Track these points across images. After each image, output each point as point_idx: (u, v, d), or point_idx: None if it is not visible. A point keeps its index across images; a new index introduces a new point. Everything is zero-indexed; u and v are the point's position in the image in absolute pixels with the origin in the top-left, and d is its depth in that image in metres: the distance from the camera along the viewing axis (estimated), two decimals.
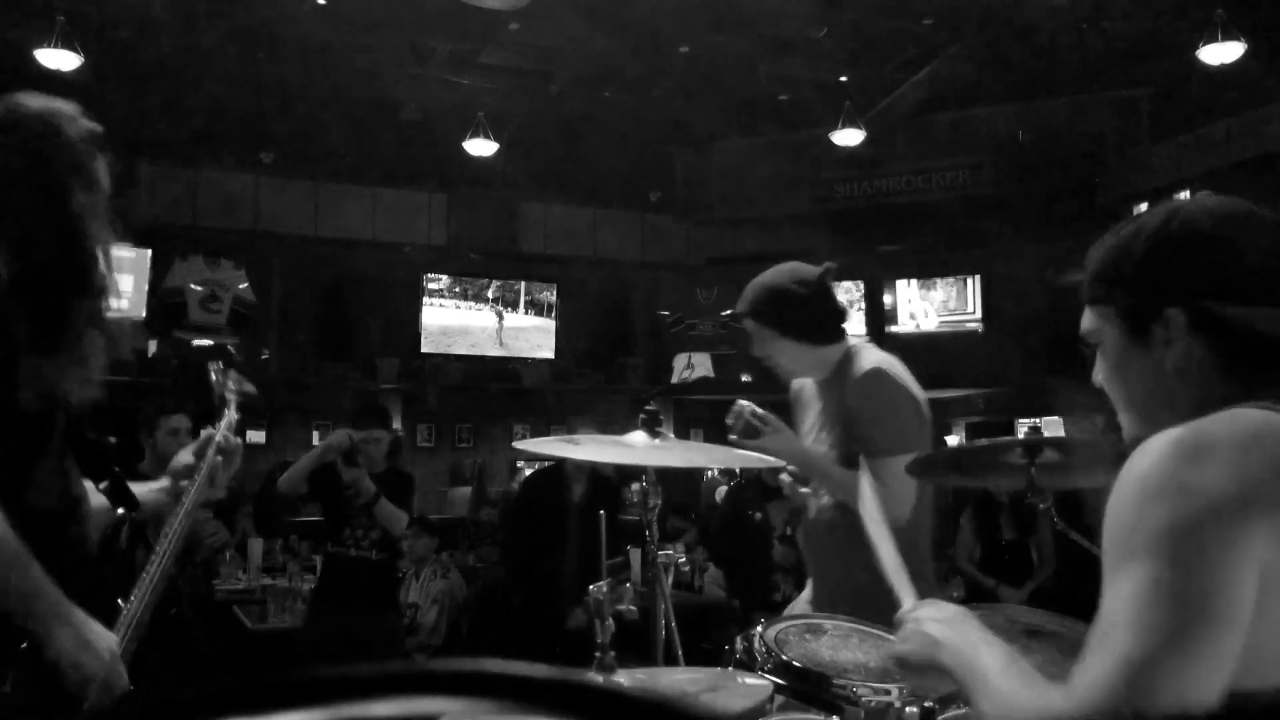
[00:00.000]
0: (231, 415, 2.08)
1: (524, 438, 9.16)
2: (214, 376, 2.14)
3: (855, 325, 9.01)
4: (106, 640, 1.56)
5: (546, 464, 5.53)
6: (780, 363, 2.66)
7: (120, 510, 1.78)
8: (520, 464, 8.55)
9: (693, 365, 9.26)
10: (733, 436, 2.51)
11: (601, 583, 1.68)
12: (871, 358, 2.55)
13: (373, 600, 4.52)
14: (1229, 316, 1.08)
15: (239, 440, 2.02)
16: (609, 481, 5.21)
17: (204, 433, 2.00)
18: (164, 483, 1.94)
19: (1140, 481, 0.98)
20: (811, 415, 2.68)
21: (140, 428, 4.20)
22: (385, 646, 4.46)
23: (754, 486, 6.07)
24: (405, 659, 4.75)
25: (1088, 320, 1.20)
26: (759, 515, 5.84)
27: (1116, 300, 1.15)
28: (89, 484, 1.77)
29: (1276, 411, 1.02)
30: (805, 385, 2.75)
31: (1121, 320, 1.14)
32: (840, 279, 8.92)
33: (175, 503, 1.90)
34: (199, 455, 1.95)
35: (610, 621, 1.64)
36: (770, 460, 2.38)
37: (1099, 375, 1.21)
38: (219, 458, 1.95)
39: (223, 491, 2.00)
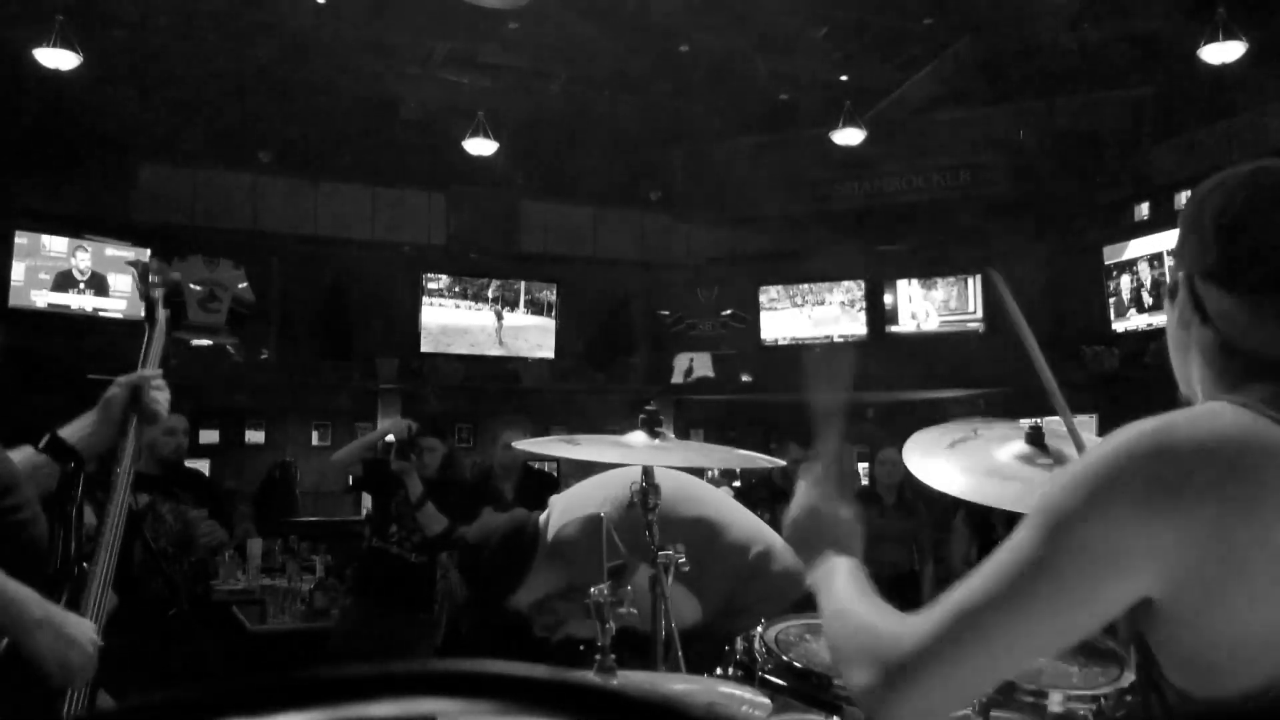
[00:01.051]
0: (161, 316, 2.03)
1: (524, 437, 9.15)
2: (134, 275, 2.08)
3: (856, 325, 9.03)
4: (86, 631, 1.55)
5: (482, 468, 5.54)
6: None
7: (71, 465, 1.76)
8: None
9: (693, 366, 9.25)
10: None
11: (602, 585, 1.68)
12: None
13: (407, 600, 4.55)
14: (1207, 300, 1.09)
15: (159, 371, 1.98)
16: (543, 475, 5.24)
17: (138, 374, 1.96)
18: (94, 415, 1.90)
19: (1083, 464, 1.02)
20: None
21: None
22: (416, 647, 4.49)
23: (764, 487, 6.08)
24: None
25: None
26: (768, 516, 5.86)
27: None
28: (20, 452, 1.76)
29: (1254, 412, 0.99)
30: None
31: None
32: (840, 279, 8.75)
33: (120, 437, 1.87)
34: (130, 385, 1.92)
35: (611, 624, 1.64)
36: (772, 460, 2.39)
37: None
38: (147, 383, 1.92)
39: (164, 413, 1.97)
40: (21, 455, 1.75)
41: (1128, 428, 1.01)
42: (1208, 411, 1.04)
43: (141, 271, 2.06)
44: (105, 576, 1.70)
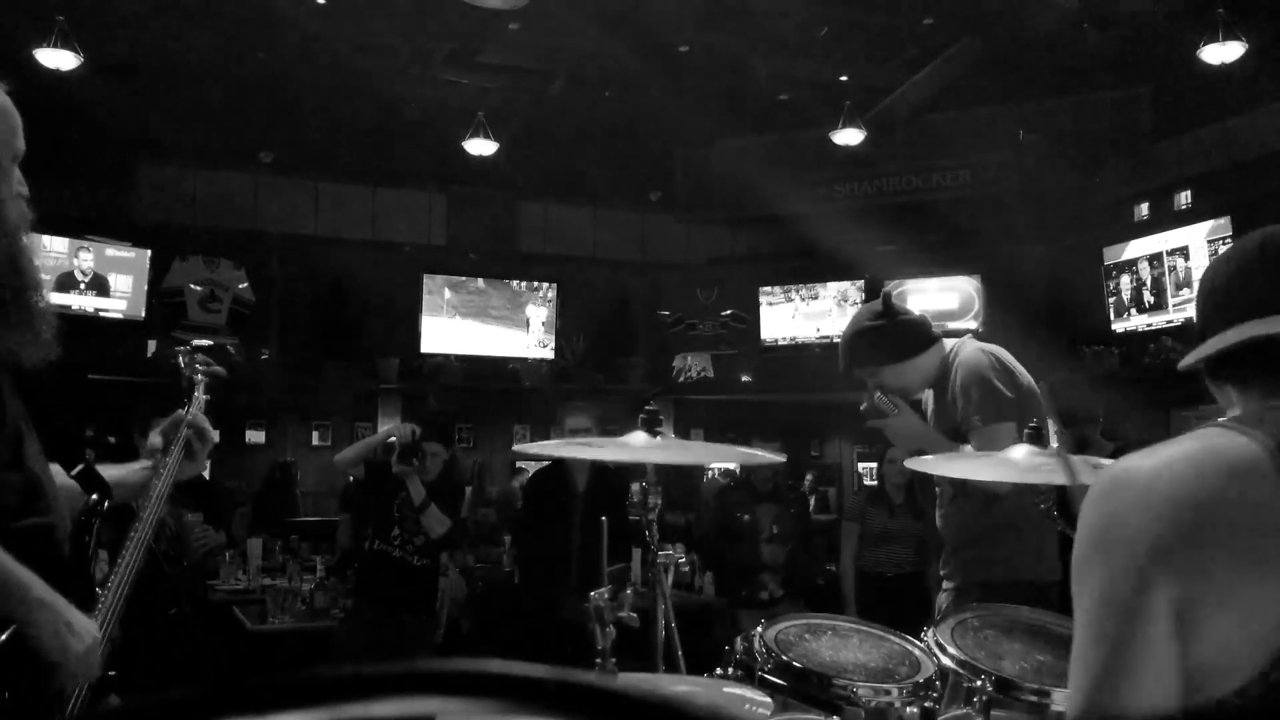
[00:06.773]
0: (200, 396, 2.14)
1: (524, 438, 9.15)
2: (181, 360, 2.21)
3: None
4: (88, 623, 1.55)
5: (549, 461, 5.55)
6: (896, 386, 3.03)
7: (94, 496, 1.77)
8: (520, 464, 8.54)
9: (691, 365, 9.26)
10: (865, 413, 3.00)
11: (603, 589, 1.68)
12: (970, 348, 3.00)
13: (409, 602, 4.56)
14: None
15: (207, 421, 2.07)
16: (610, 473, 5.24)
17: (174, 414, 2.04)
18: (141, 464, 1.95)
19: (1083, 524, 1.11)
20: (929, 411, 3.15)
21: (135, 428, 4.21)
22: (417, 647, 4.50)
23: (743, 489, 6.12)
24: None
25: None
26: (747, 517, 5.91)
27: None
28: (59, 469, 1.76)
29: (1234, 432, 1.08)
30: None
31: None
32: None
33: (151, 481, 1.91)
34: (168, 435, 1.99)
35: (611, 628, 1.64)
36: (765, 458, 2.40)
37: None
38: (191, 431, 1.99)
39: (203, 466, 2.05)
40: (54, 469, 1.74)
41: (1101, 475, 1.15)
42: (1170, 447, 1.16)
43: (188, 358, 2.21)
44: (116, 603, 1.70)
